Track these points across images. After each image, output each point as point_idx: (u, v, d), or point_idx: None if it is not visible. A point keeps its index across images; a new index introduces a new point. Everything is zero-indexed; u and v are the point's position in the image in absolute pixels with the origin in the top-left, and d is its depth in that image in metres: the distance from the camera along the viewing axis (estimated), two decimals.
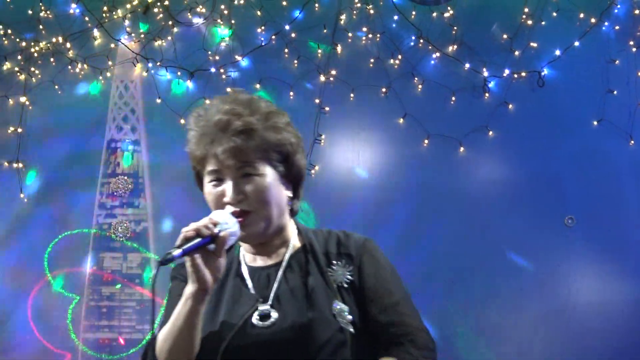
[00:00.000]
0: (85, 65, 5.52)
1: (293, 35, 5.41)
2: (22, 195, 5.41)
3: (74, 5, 5.54)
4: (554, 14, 5.30)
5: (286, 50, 5.42)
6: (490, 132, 5.27)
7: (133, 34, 5.50)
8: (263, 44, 5.40)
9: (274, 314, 2.16)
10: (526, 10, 5.27)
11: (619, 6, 5.30)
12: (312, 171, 5.15)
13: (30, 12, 5.57)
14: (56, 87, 5.54)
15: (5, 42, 5.57)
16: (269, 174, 2.20)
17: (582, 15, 5.29)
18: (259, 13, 5.45)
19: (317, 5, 5.43)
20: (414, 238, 5.17)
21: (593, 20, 5.27)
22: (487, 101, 5.29)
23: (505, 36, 5.30)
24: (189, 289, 2.04)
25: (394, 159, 5.28)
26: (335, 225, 2.45)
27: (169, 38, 5.48)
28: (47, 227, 5.37)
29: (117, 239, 5.35)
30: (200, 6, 5.47)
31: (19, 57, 5.56)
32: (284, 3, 5.43)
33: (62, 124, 5.48)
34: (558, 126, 5.22)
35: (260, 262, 2.32)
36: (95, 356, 5.22)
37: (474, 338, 5.05)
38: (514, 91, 5.28)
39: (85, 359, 5.25)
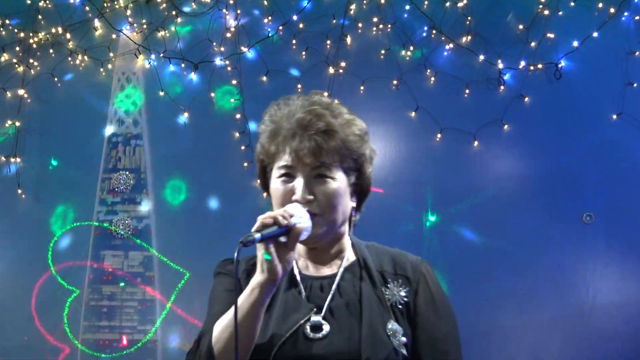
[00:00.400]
0: (85, 57, 5.48)
1: (301, 25, 5.37)
2: (19, 191, 5.43)
3: None
4: (572, 4, 5.22)
5: (294, 41, 5.37)
6: (506, 126, 5.20)
7: (135, 25, 5.46)
8: (270, 34, 5.36)
9: (326, 327, 2.18)
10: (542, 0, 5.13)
11: None
12: None
13: (28, 1, 5.54)
14: (55, 79, 5.51)
15: (3, 32, 5.56)
16: (341, 180, 2.23)
17: (600, 5, 5.20)
18: (265, 3, 5.42)
19: None
20: (425, 235, 5.16)
21: (612, 10, 5.18)
22: (502, 94, 5.23)
23: (521, 27, 5.22)
24: (257, 278, 2.03)
25: (405, 154, 5.24)
26: None
27: (173, 29, 5.44)
28: (46, 223, 5.36)
29: (119, 236, 5.32)
30: None
31: (17, 48, 5.53)
32: None
33: (61, 117, 5.46)
34: (576, 120, 5.16)
35: (312, 270, 2.34)
36: (94, 355, 5.22)
37: (486, 340, 5.00)
38: (530, 83, 5.20)
39: (85, 358, 5.24)
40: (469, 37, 5.26)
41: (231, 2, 5.43)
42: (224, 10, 5.41)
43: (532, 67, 5.21)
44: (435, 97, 5.27)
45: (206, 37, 5.42)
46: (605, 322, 5.02)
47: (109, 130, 5.44)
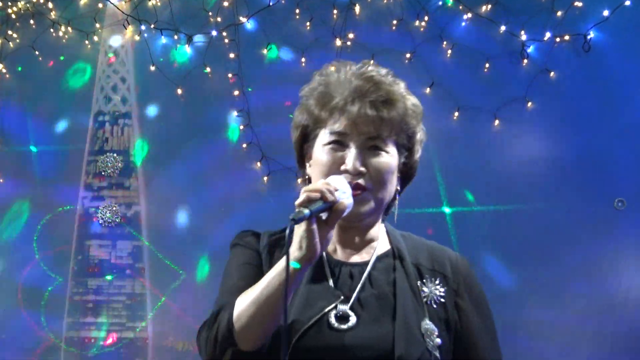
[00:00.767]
0: (69, 29, 5.44)
1: None
2: None
3: None
4: None
5: (297, 10, 5.31)
6: (529, 104, 5.10)
7: None
8: (271, 3, 5.32)
9: (353, 318, 2.14)
10: None
11: None
12: None
13: None
14: (36, 52, 5.46)
15: None
16: (394, 156, 2.21)
17: None
18: None
19: None
20: (443, 222, 5.10)
21: None
22: (525, 68, 5.13)
23: None
24: (293, 255, 1.99)
25: None
26: None
27: None
28: (29, 210, 5.39)
29: (105, 224, 5.28)
30: None
31: None
32: None
33: (42, 94, 5.44)
34: (606, 96, 5.05)
35: (342, 255, 2.30)
36: (78, 354, 5.22)
37: (511, 337, 4.85)
38: (556, 57, 5.11)
39: (69, 357, 5.22)
40: (489, 6, 5.20)
41: None
42: None
43: (558, 39, 5.13)
44: (452, 72, 5.21)
45: (201, 6, 5.37)
46: (639, 317, 4.93)
47: (95, 108, 5.41)
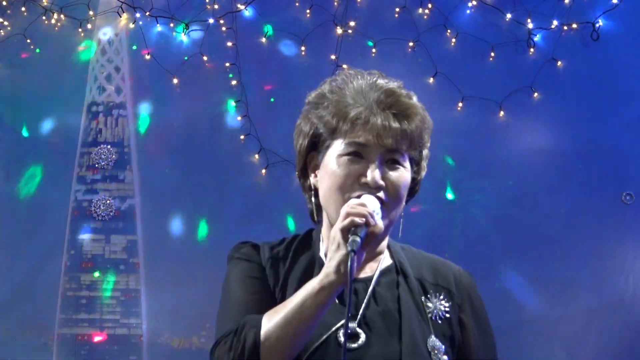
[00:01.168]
0: (62, 16, 5.38)
1: None
2: None
3: None
4: None
5: None
6: (536, 94, 5.14)
7: None
8: None
9: (362, 336, 2.12)
10: None
11: None
12: None
13: None
14: (28, 40, 5.39)
15: None
16: (409, 171, 2.21)
17: None
18: None
19: None
20: (445, 217, 5.13)
21: None
22: (531, 57, 5.16)
23: None
24: (329, 278, 2.01)
25: None
26: None
27: None
28: (17, 201, 5.35)
29: (99, 219, 5.26)
30: None
31: None
32: None
33: (34, 83, 5.40)
34: (615, 87, 5.09)
35: None
36: (72, 351, 5.20)
37: (515, 332, 4.90)
38: (563, 46, 5.14)
39: (62, 354, 5.20)
40: None
41: None
42: None
43: (565, 27, 5.16)
44: (457, 61, 5.24)
45: None
46: None
47: (89, 98, 5.39)
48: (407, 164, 2.19)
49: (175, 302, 5.11)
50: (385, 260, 2.28)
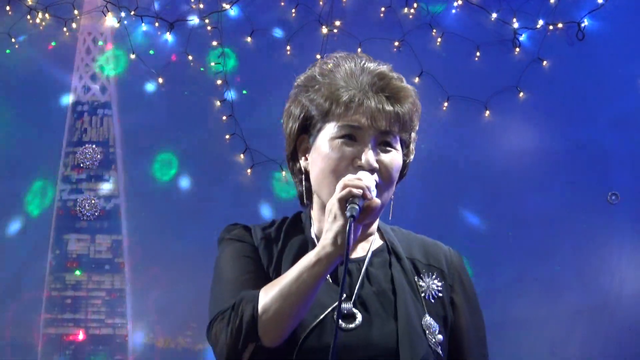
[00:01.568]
0: (46, 15, 5.36)
1: None
2: None
3: None
4: None
5: None
6: (521, 94, 5.14)
7: None
8: None
9: (359, 316, 2.14)
10: None
11: None
12: None
13: None
14: (13, 40, 5.38)
15: None
16: (400, 154, 2.23)
17: None
18: None
19: None
20: (430, 218, 5.06)
21: None
22: (517, 57, 5.16)
23: None
24: (326, 250, 2.02)
25: None
26: None
27: None
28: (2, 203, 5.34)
29: (84, 218, 5.23)
30: None
31: None
32: None
33: (19, 83, 5.38)
34: (600, 87, 5.09)
35: None
36: (56, 351, 5.18)
37: (499, 334, 4.68)
38: (548, 45, 5.14)
39: (46, 354, 5.19)
40: None
41: None
42: None
43: (551, 27, 5.15)
44: (442, 60, 5.23)
45: None
46: (632, 314, 4.99)
47: (73, 98, 5.37)
48: (399, 146, 2.21)
49: (160, 302, 5.10)
50: (376, 240, 2.29)
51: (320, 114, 2.20)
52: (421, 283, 2.24)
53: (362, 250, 2.28)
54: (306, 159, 2.24)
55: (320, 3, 5.21)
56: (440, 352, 2.17)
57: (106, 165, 5.27)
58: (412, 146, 2.30)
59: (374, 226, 2.30)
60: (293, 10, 5.23)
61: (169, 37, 5.29)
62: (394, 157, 2.19)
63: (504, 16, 5.13)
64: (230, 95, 5.20)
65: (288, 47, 5.20)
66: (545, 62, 5.11)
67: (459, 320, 2.26)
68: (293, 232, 2.31)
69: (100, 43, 5.36)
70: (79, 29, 5.36)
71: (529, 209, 5.07)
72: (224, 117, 5.16)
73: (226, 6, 5.24)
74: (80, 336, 5.12)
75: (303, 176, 2.25)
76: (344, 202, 1.99)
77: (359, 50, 5.18)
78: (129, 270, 5.17)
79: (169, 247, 5.15)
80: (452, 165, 5.14)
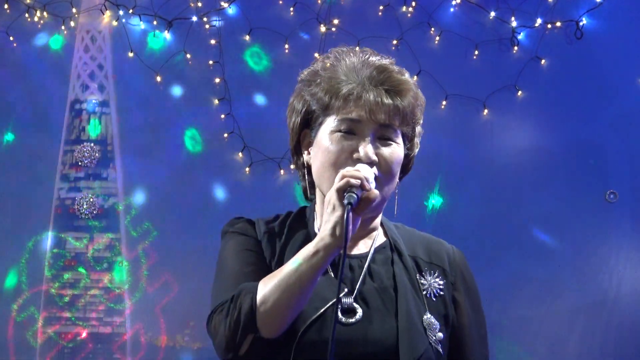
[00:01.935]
0: (44, 13, 5.32)
1: None
2: None
3: None
4: None
5: None
6: (519, 92, 5.16)
7: None
8: None
9: (359, 311, 2.15)
10: None
11: None
12: None
13: None
14: (11, 38, 5.33)
15: None
16: (402, 148, 2.23)
17: None
18: None
19: None
20: (429, 215, 5.11)
21: None
22: (515, 56, 5.17)
23: None
24: (325, 241, 2.03)
25: None
26: None
27: None
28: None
29: (82, 217, 5.20)
30: None
31: None
32: None
33: (17, 81, 5.33)
34: (599, 85, 5.11)
35: None
36: (54, 349, 5.13)
37: (498, 332, 4.82)
38: (547, 44, 5.15)
39: (44, 352, 5.15)
40: None
41: None
42: None
43: (549, 25, 5.16)
44: (440, 59, 5.22)
45: None
46: (630, 313, 5.00)
47: (72, 96, 5.32)
48: (400, 140, 2.21)
49: (159, 301, 5.07)
50: (379, 237, 2.29)
51: (321, 107, 2.21)
52: (423, 281, 2.24)
53: (365, 246, 2.27)
54: (309, 153, 2.25)
55: (319, 1, 5.20)
56: (441, 350, 2.17)
57: (104, 163, 5.25)
58: (416, 140, 2.30)
59: (376, 222, 2.30)
60: (291, 9, 5.21)
61: (167, 35, 5.26)
62: (394, 151, 2.18)
63: (503, 15, 5.13)
64: (228, 93, 5.17)
65: (286, 46, 5.17)
66: (543, 61, 5.11)
67: (461, 319, 2.26)
68: (297, 227, 2.30)
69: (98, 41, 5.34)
70: (77, 28, 5.32)
71: (526, 207, 5.07)
72: (222, 116, 5.14)
73: (224, 4, 5.23)
74: (79, 335, 5.11)
75: (306, 170, 2.26)
76: (342, 192, 2.00)
77: (357, 49, 5.14)
78: (127, 268, 5.15)
79: (167, 246, 5.13)
80: (451, 164, 5.13)
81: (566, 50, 5.11)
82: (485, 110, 5.12)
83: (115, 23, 5.30)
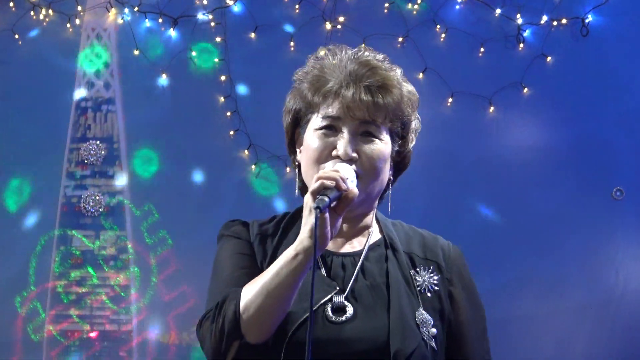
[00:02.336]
0: (50, 11, 5.33)
1: None
2: None
3: None
4: None
5: None
6: (525, 90, 5.14)
7: None
8: None
9: (350, 309, 2.15)
10: None
11: None
12: None
13: None
14: (16, 36, 5.34)
15: None
16: (387, 144, 2.21)
17: None
18: None
19: None
20: (435, 213, 5.06)
21: None
22: (521, 53, 5.15)
23: None
24: (303, 244, 2.02)
25: None
26: None
27: None
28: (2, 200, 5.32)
29: (88, 215, 5.20)
30: None
31: None
32: None
33: (22, 79, 5.34)
34: (605, 82, 5.09)
35: (332, 246, 2.26)
36: (61, 347, 5.15)
37: (504, 330, 4.86)
38: (553, 41, 5.13)
39: (51, 350, 5.16)
40: None
41: None
42: None
43: (555, 23, 5.14)
44: (446, 56, 5.21)
45: None
46: (637, 310, 4.99)
47: (77, 94, 5.33)
48: (386, 136, 2.19)
49: (165, 298, 5.08)
50: (374, 234, 2.28)
51: (306, 105, 2.23)
52: (417, 277, 2.23)
53: (359, 244, 2.27)
54: (300, 152, 2.25)
55: None
56: (435, 345, 2.16)
57: (110, 161, 5.24)
58: (410, 136, 2.29)
59: (370, 219, 2.29)
60: (297, 6, 5.20)
61: (172, 33, 5.25)
62: (376, 147, 2.17)
63: (508, 12, 5.11)
64: (234, 91, 5.17)
65: (292, 43, 5.17)
66: (549, 58, 5.09)
67: (458, 315, 2.25)
68: (291, 227, 2.30)
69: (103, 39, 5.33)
70: (82, 25, 5.32)
71: (533, 205, 5.04)
72: (228, 113, 5.13)
73: (230, 2, 5.21)
74: (85, 332, 5.11)
75: (297, 170, 2.27)
76: (316, 195, 1.98)
77: (363, 46, 5.14)
78: (133, 266, 5.15)
79: (174, 243, 5.14)
80: (456, 162, 5.12)
81: (572, 48, 5.10)
82: (491, 108, 5.10)
83: (120, 21, 5.30)
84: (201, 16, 5.24)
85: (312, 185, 2.00)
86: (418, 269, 2.24)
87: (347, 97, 2.16)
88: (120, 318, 5.12)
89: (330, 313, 2.14)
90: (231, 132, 5.13)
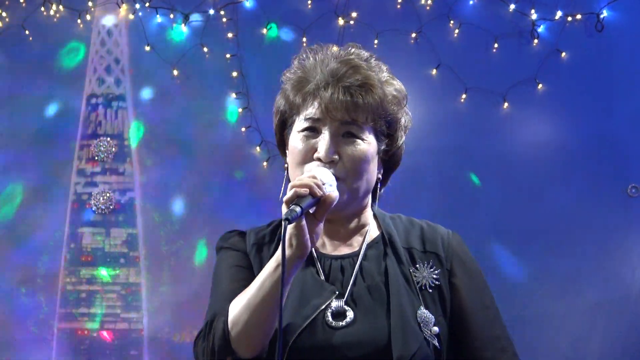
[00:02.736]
0: (60, 7, 5.34)
1: None
2: None
3: None
4: None
5: None
6: (540, 86, 5.12)
7: None
8: None
9: (350, 313, 2.13)
10: None
11: None
12: None
13: None
14: (27, 32, 5.36)
15: None
16: (371, 144, 2.18)
17: None
18: None
19: None
20: (448, 210, 5.06)
21: None
22: (535, 49, 5.14)
23: None
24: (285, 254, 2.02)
25: (425, 118, 5.10)
26: None
27: None
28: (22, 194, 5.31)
29: (99, 212, 5.22)
30: None
31: None
32: None
33: (33, 75, 5.34)
34: (619, 78, 5.08)
35: (330, 249, 2.26)
36: (71, 346, 5.17)
37: (519, 329, 4.78)
38: (567, 37, 5.12)
39: (61, 349, 5.17)
40: None
41: None
42: None
43: (570, 18, 5.13)
44: (460, 52, 5.20)
45: None
46: None
47: (88, 90, 5.34)
48: (369, 136, 2.17)
49: (176, 296, 5.09)
50: (371, 232, 2.26)
51: (290, 107, 2.21)
52: (417, 274, 2.20)
53: (357, 243, 2.26)
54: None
55: None
56: (437, 344, 2.14)
57: (121, 158, 5.25)
58: (398, 133, 2.25)
59: (365, 217, 2.27)
60: (309, 2, 5.20)
61: (184, 28, 5.26)
62: (357, 148, 2.14)
63: (522, 7, 5.11)
64: (246, 87, 5.16)
65: (304, 39, 5.17)
66: (563, 54, 5.09)
67: (462, 303, 2.22)
68: None
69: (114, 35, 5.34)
70: (93, 21, 5.34)
71: (547, 202, 5.04)
72: (240, 109, 5.14)
73: None
74: (95, 331, 5.11)
75: (286, 172, 2.25)
76: (289, 204, 1.95)
77: (376, 42, 5.18)
78: (144, 264, 5.15)
79: (184, 241, 5.14)
80: (470, 158, 5.13)
81: (587, 43, 5.09)
82: (505, 104, 5.10)
83: (131, 16, 5.31)
84: (212, 12, 5.25)
85: (287, 194, 1.98)
86: (418, 265, 2.22)
87: (325, 97, 2.14)
88: (131, 316, 5.13)
89: (330, 318, 2.13)
90: (243, 129, 5.12)
